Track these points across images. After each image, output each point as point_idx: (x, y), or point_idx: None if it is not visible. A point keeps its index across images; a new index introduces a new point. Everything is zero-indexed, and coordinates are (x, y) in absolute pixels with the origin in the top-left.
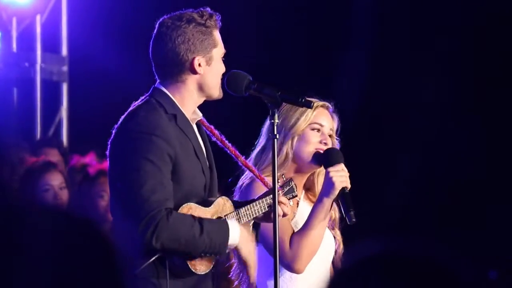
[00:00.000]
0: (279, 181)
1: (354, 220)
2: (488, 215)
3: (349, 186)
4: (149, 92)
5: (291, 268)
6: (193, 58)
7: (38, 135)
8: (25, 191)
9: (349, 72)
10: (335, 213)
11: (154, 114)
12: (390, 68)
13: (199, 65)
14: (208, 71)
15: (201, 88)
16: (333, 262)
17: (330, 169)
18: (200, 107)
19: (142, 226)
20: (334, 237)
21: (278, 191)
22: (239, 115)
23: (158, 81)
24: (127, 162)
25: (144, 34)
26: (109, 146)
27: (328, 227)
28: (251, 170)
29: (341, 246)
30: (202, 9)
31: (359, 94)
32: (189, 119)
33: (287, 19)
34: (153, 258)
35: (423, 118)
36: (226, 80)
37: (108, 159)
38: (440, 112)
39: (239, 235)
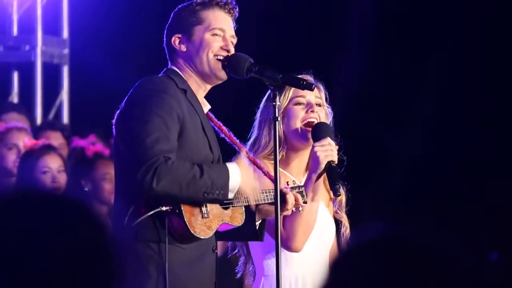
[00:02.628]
0: (288, 183)
1: (339, 193)
2: (489, 196)
3: (335, 159)
4: (162, 72)
5: (288, 247)
6: (171, 36)
7: (39, 119)
8: (23, 173)
9: (349, 59)
10: (342, 196)
11: (165, 79)
12: (390, 56)
13: (180, 42)
14: (191, 47)
15: (189, 65)
16: (339, 246)
17: (316, 144)
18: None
19: (142, 171)
20: (340, 221)
21: (287, 188)
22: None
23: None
24: (136, 117)
25: (147, 16)
26: (116, 116)
27: (335, 211)
28: (259, 167)
29: (348, 230)
30: None
31: (358, 80)
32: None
33: (288, 3)
34: (152, 212)
35: (423, 105)
36: (228, 63)
37: (114, 127)
38: (441, 99)
39: (240, 175)
